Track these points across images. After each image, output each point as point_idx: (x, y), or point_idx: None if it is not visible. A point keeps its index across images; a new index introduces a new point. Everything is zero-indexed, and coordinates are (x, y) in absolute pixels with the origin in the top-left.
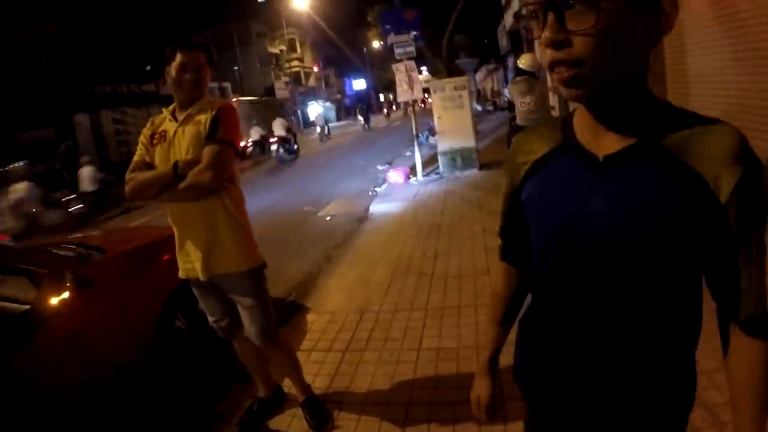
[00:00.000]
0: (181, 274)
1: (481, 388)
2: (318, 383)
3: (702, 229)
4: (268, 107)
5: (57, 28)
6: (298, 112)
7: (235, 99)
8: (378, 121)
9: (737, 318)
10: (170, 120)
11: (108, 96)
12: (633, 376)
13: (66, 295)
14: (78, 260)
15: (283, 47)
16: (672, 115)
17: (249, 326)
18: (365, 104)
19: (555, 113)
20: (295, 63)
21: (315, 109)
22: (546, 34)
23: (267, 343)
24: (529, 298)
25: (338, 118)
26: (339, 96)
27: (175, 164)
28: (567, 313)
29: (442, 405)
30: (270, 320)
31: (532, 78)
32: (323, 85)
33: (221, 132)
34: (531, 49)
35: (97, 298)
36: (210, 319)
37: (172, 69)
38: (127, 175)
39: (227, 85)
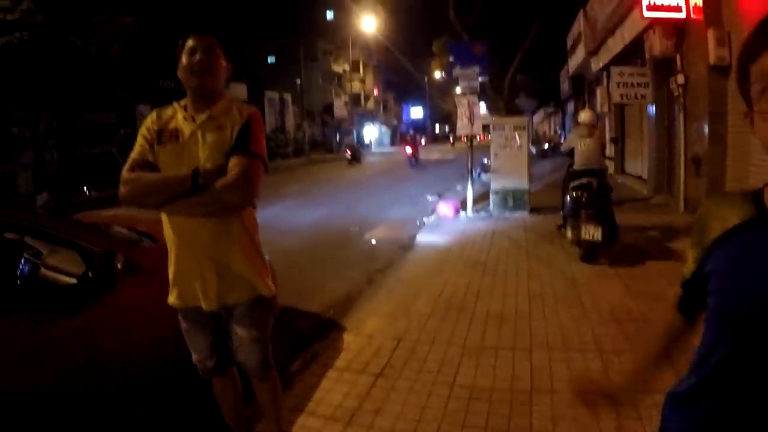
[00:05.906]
0: (174, 301)
1: (611, 388)
2: (347, 403)
3: None
4: None
5: (134, 19)
6: (354, 132)
7: None
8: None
9: None
10: (185, 119)
11: (172, 91)
12: None
13: (113, 275)
14: (130, 244)
15: (347, 67)
16: None
17: (248, 359)
18: (414, 131)
19: (610, 163)
20: (357, 84)
21: (371, 132)
22: None
23: (265, 374)
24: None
25: (392, 143)
26: (396, 122)
27: (196, 171)
28: (743, 384)
29: None
30: (269, 352)
31: (591, 128)
32: (381, 109)
33: (253, 144)
34: (593, 96)
35: (143, 284)
36: (194, 357)
37: (183, 56)
38: (125, 174)
39: (288, 96)
